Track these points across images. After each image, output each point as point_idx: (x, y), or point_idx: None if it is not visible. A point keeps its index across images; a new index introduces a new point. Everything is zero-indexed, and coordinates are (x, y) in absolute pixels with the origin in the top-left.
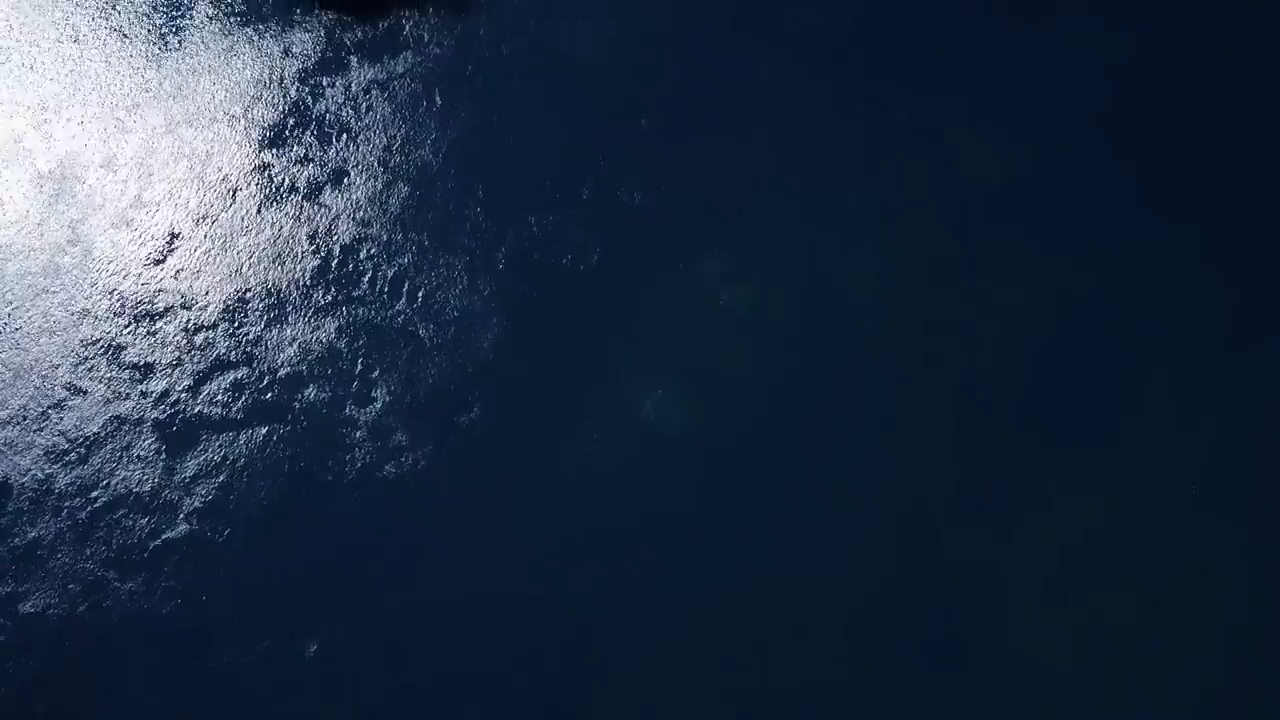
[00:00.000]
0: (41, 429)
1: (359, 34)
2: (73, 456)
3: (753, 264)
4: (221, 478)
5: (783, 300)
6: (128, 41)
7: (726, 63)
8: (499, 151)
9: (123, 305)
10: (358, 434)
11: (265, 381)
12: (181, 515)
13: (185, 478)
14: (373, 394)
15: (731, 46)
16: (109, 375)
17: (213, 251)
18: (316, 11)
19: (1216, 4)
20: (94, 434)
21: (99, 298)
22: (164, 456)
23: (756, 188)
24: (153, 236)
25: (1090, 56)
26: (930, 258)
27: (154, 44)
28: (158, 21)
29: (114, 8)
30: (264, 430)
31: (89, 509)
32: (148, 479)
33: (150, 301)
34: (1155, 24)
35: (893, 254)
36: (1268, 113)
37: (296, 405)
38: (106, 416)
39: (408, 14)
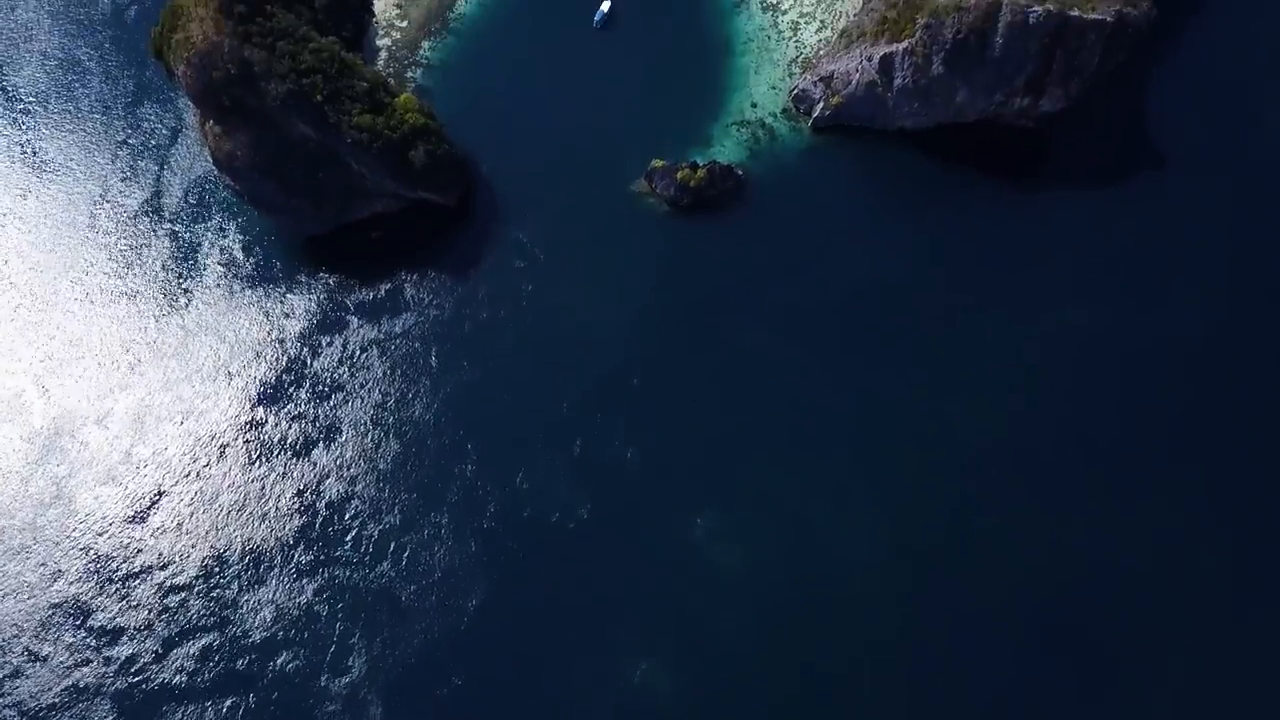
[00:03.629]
0: None
1: (361, 295)
2: None
3: (743, 524)
4: None
5: (773, 561)
6: (136, 301)
7: (716, 329)
8: (492, 409)
9: (98, 565)
10: (330, 707)
11: (237, 648)
12: None
13: None
14: (349, 662)
15: (721, 315)
16: (73, 640)
17: (196, 509)
18: (322, 273)
19: (1180, 288)
20: (47, 707)
21: (75, 557)
22: None
23: (747, 448)
24: (137, 494)
25: (1064, 328)
26: (920, 520)
27: (161, 304)
28: (167, 282)
29: (127, 269)
30: (230, 702)
31: None
32: None
33: (127, 561)
34: (1127, 301)
35: (883, 515)
36: (1238, 379)
37: (268, 674)
38: (64, 686)
39: (410, 276)
